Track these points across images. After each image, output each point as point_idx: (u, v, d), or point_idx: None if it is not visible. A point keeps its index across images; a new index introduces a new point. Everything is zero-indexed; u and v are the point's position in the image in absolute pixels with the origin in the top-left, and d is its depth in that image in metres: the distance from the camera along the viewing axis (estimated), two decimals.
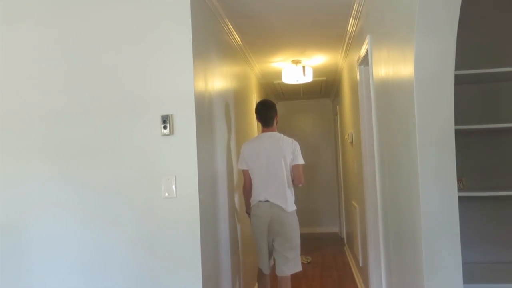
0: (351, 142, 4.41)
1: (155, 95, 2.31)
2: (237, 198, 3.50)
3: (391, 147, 2.29)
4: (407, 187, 1.91)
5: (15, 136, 2.42)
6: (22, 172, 2.40)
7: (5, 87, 2.44)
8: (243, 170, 3.17)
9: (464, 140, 2.29)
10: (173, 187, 2.27)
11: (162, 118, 2.27)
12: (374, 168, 2.85)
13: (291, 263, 3.04)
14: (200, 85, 2.46)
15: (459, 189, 1.71)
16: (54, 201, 2.37)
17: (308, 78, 4.63)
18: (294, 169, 3.07)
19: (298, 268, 3.10)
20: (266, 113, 3.17)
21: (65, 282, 2.35)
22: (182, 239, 2.26)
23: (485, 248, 2.44)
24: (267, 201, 3.01)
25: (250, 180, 3.12)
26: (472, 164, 2.45)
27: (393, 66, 2.08)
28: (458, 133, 1.72)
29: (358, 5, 3.01)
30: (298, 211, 3.16)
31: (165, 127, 2.27)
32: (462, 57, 1.99)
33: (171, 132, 2.28)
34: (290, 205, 3.03)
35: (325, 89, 6.55)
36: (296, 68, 4.60)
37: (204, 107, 2.54)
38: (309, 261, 5.30)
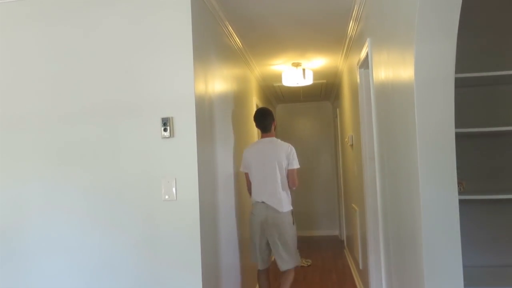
0: (351, 145, 4.41)
1: (156, 97, 2.31)
2: (237, 201, 3.51)
3: (391, 150, 2.29)
4: (407, 190, 1.91)
5: (17, 139, 2.42)
6: (23, 174, 2.40)
7: (7, 89, 2.44)
8: (245, 173, 3.41)
9: (464, 143, 2.28)
10: (173, 189, 2.27)
11: (162, 121, 2.28)
12: (374, 171, 2.85)
13: (285, 259, 3.23)
14: (201, 87, 2.46)
15: (460, 192, 1.70)
16: (55, 203, 2.37)
17: (308, 81, 4.63)
18: (289, 173, 3.28)
19: (294, 263, 3.27)
20: (264, 120, 3.43)
21: (65, 284, 2.34)
22: (182, 242, 2.26)
23: (486, 252, 2.43)
24: (263, 202, 3.22)
25: (250, 181, 3.35)
26: (472, 167, 2.45)
27: (393, 69, 2.08)
28: (458, 136, 1.72)
29: (358, 8, 3.02)
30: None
31: (165, 130, 2.27)
32: (462, 60, 1.99)
33: (172, 135, 2.28)
34: (284, 206, 3.22)
35: (325, 92, 6.55)
36: (296, 70, 4.60)
37: (205, 110, 2.54)
38: (309, 264, 5.29)
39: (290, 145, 3.32)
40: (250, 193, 3.40)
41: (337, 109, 6.16)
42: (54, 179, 2.38)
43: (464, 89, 2.37)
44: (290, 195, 3.31)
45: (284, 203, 3.21)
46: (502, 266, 2.42)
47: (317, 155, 7.39)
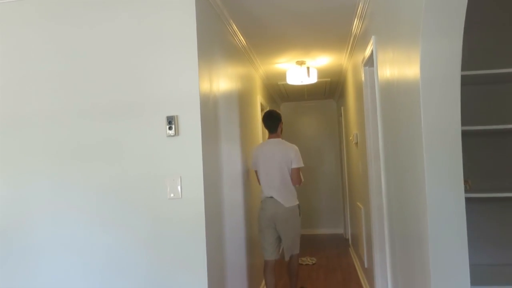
0: (356, 143, 4.40)
1: (161, 96, 2.32)
2: (245, 198, 3.52)
3: (397, 148, 2.28)
4: (413, 188, 1.90)
5: (23, 138, 2.43)
6: (30, 173, 2.42)
7: (11, 88, 2.45)
8: (255, 171, 3.75)
9: (470, 141, 2.27)
10: (179, 188, 2.27)
11: (167, 119, 2.28)
12: (379, 169, 2.84)
13: (291, 247, 3.60)
14: (205, 86, 2.46)
15: (466, 191, 1.69)
16: (60, 202, 2.38)
17: (312, 79, 4.62)
18: (293, 171, 3.58)
19: (297, 250, 3.67)
20: (271, 122, 3.73)
21: (72, 282, 2.36)
22: (187, 240, 2.27)
23: (492, 250, 2.42)
24: (271, 197, 3.52)
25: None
26: (478, 166, 2.44)
27: (399, 67, 2.07)
28: (464, 134, 1.71)
29: (363, 6, 3.01)
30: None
31: (170, 128, 2.28)
32: (469, 58, 1.98)
33: (177, 133, 2.29)
34: (290, 202, 3.55)
35: (330, 90, 6.54)
36: (300, 69, 4.59)
37: (209, 108, 2.54)
38: (313, 262, 5.29)
39: (294, 146, 3.64)
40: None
41: (342, 108, 6.15)
42: (58, 178, 2.39)
43: (470, 86, 2.36)
44: (295, 191, 3.63)
45: (289, 199, 3.54)
46: (509, 265, 2.41)
47: (321, 154, 7.38)
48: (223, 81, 3.00)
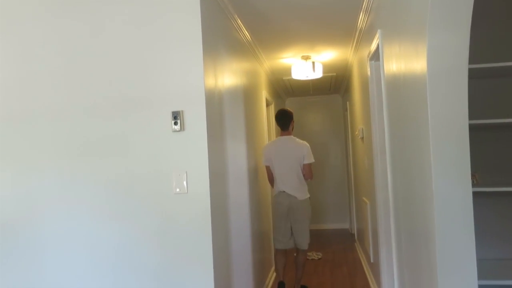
0: (362, 138, 4.38)
1: (166, 91, 2.32)
2: (252, 193, 3.53)
3: (403, 142, 2.27)
4: (420, 182, 1.90)
5: (31, 133, 2.44)
6: (37, 168, 2.43)
7: (17, 84, 2.47)
8: (266, 166, 3.95)
9: (477, 135, 2.25)
10: (184, 182, 2.28)
11: (172, 114, 2.28)
12: (385, 164, 2.83)
13: (300, 238, 3.86)
14: (210, 81, 2.46)
15: (473, 185, 1.68)
16: (67, 197, 2.40)
17: (317, 74, 4.60)
18: (305, 167, 3.83)
19: (306, 242, 3.87)
20: (284, 121, 3.97)
21: (79, 275, 2.37)
22: (193, 235, 2.27)
23: (500, 244, 2.41)
24: (284, 191, 3.79)
25: (271, 173, 3.90)
26: (485, 160, 2.42)
27: (405, 60, 2.05)
28: (471, 128, 1.70)
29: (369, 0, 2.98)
30: None
31: (176, 123, 2.28)
32: (476, 51, 1.96)
33: (182, 128, 2.29)
34: (302, 195, 3.83)
35: (335, 85, 6.51)
36: (305, 64, 4.57)
37: (214, 103, 2.54)
38: (319, 257, 5.29)
39: (305, 142, 3.89)
40: (271, 183, 3.99)
41: (347, 102, 6.13)
42: (67, 173, 2.40)
43: (477, 80, 2.34)
44: (306, 185, 3.91)
45: (301, 192, 3.82)
46: None
47: (327, 148, 7.37)
48: (228, 76, 3.00)
